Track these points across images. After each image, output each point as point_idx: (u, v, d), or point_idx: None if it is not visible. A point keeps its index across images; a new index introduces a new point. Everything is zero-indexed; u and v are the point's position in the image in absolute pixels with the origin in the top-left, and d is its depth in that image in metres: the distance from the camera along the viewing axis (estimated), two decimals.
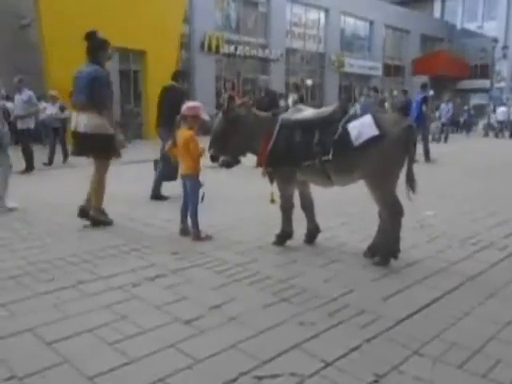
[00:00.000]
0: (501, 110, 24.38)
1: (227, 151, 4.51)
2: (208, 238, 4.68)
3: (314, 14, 27.54)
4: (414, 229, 5.01)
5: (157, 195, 6.53)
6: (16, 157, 8.99)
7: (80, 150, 5.24)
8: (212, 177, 7.04)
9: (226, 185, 7.37)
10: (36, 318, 2.92)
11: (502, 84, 33.41)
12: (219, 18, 22.76)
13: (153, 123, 7.15)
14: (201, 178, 4.69)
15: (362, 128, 3.80)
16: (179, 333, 2.77)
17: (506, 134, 24.14)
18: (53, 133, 10.87)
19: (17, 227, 5.09)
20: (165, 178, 6.46)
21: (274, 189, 4.35)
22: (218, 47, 21.75)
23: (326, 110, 4.21)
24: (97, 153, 5.10)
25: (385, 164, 3.83)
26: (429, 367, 2.46)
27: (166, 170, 6.25)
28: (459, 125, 27.52)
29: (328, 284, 3.56)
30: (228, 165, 4.65)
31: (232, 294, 3.36)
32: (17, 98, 9.49)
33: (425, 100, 12.20)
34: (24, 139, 9.46)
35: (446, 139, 19.22)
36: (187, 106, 4.70)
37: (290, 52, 26.26)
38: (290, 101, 11.18)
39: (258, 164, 4.33)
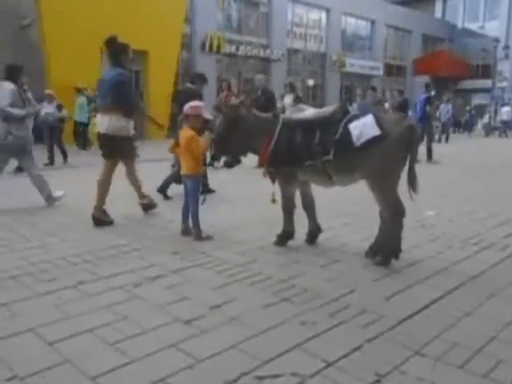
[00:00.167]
0: (505, 109, 24.32)
1: (228, 151, 4.51)
2: (209, 238, 4.68)
3: (315, 14, 27.51)
4: (415, 229, 5.01)
5: (163, 191, 6.61)
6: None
7: (104, 151, 5.40)
8: (213, 177, 7.06)
9: (226, 185, 7.36)
10: (37, 318, 2.92)
11: (504, 84, 33.34)
12: (220, 18, 22.74)
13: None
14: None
15: (363, 128, 3.79)
16: (180, 333, 2.77)
17: (510, 134, 24.08)
18: (49, 132, 10.81)
19: (18, 227, 5.10)
20: (176, 180, 6.49)
21: (275, 189, 4.35)
22: (219, 47, 21.74)
23: (326, 109, 4.21)
24: (116, 154, 5.32)
25: (386, 164, 3.83)
26: (430, 367, 2.46)
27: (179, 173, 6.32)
28: (460, 125, 27.48)
29: (329, 284, 3.56)
30: (229, 165, 4.65)
31: (233, 293, 3.36)
32: None
33: (428, 100, 12.22)
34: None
35: (447, 139, 19.21)
36: (189, 105, 4.70)
37: (292, 52, 26.25)
38: (286, 102, 10.65)
39: (260, 164, 4.33)
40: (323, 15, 27.70)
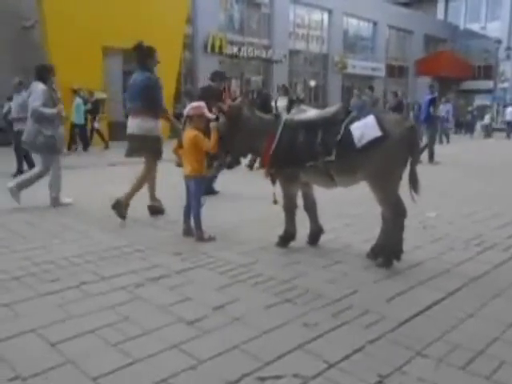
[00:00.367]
0: (509, 110, 24.21)
1: (229, 152, 4.51)
2: (211, 238, 4.68)
3: (317, 15, 27.54)
4: (416, 230, 5.01)
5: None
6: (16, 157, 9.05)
7: (130, 151, 5.66)
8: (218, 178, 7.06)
9: (228, 185, 7.36)
10: (39, 319, 2.93)
11: (506, 85, 33.33)
12: (222, 19, 22.78)
13: None
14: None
15: (365, 129, 3.79)
16: (182, 333, 2.77)
17: None
18: None
19: (20, 228, 5.10)
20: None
21: (277, 189, 4.35)
22: (221, 48, 21.77)
23: (328, 110, 4.21)
24: (144, 153, 5.55)
25: (387, 165, 3.83)
26: (432, 368, 2.45)
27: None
28: (462, 126, 27.42)
29: (331, 285, 3.56)
30: (230, 165, 4.65)
31: (235, 294, 3.36)
32: (14, 99, 9.44)
33: (433, 101, 12.22)
34: (18, 140, 9.43)
35: (448, 140, 19.18)
36: (191, 106, 4.71)
37: (294, 53, 26.26)
38: (280, 105, 10.19)
39: (262, 165, 4.33)
40: (325, 16, 27.71)
